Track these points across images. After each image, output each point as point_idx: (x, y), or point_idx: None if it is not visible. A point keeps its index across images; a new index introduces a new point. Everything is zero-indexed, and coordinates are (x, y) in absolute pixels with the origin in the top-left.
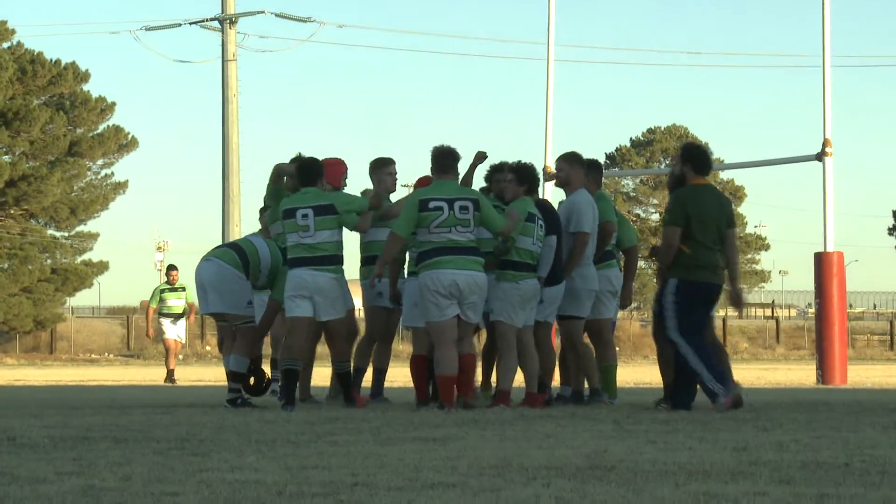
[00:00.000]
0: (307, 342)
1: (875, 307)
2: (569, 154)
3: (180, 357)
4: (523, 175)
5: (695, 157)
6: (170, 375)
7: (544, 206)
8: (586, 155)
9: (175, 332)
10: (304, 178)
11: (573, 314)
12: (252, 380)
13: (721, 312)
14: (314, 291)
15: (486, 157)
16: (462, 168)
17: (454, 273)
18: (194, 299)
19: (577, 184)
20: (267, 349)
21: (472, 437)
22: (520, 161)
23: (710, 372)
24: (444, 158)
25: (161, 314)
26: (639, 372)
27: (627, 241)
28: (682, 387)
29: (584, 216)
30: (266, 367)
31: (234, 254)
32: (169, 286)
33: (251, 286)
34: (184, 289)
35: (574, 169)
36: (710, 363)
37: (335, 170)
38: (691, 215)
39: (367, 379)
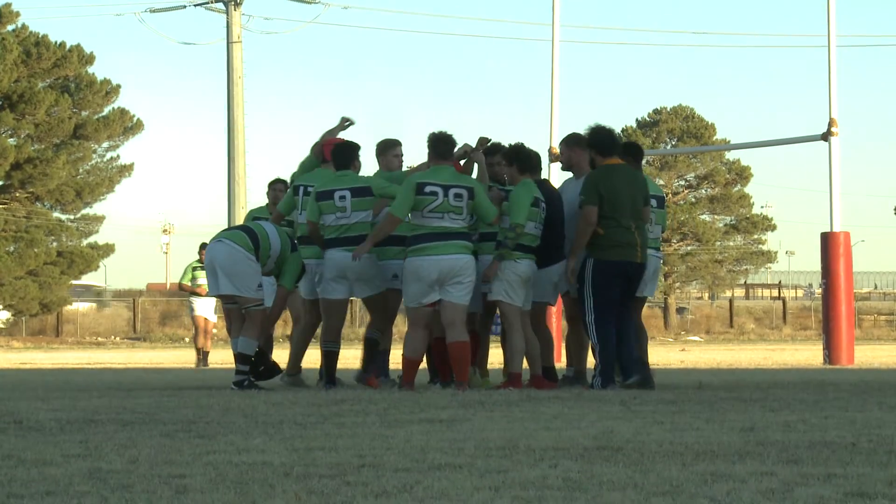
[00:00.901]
0: (337, 322)
1: (877, 287)
2: (569, 137)
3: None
4: (511, 155)
5: (597, 141)
6: (203, 358)
7: (544, 186)
8: None
9: (205, 309)
10: (340, 161)
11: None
12: (262, 367)
13: (728, 293)
14: (349, 270)
15: (489, 141)
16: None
17: (439, 259)
18: None
19: (583, 166)
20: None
21: (479, 419)
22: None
23: (605, 364)
24: (441, 144)
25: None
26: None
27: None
28: (623, 362)
29: None
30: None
31: (245, 236)
32: (201, 264)
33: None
34: None
35: (574, 151)
36: (609, 356)
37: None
38: (604, 195)
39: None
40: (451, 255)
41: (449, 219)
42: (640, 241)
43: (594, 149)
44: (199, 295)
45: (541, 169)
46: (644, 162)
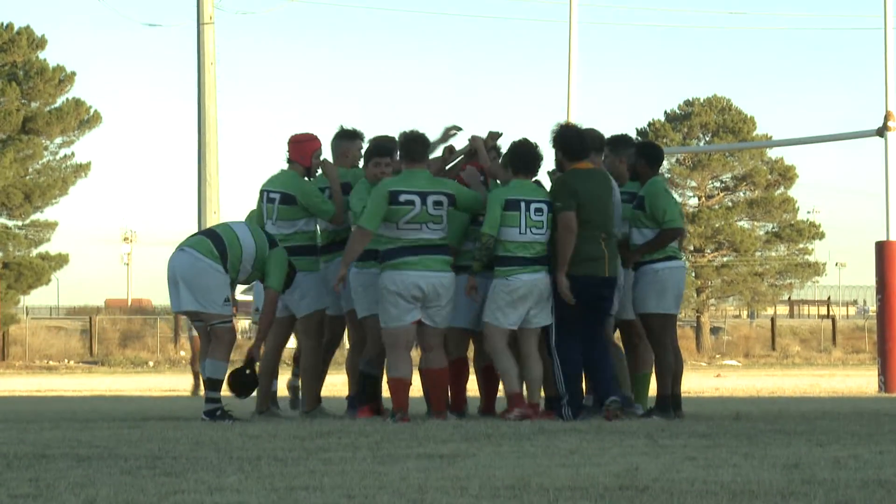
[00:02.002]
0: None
1: None
2: (613, 139)
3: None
4: (509, 155)
5: (566, 143)
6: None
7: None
8: (616, 131)
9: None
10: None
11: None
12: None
13: (769, 311)
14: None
15: (500, 135)
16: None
17: (420, 275)
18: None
19: (624, 172)
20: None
21: (485, 454)
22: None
23: (572, 390)
24: (414, 145)
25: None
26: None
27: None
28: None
29: None
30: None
31: (209, 243)
32: None
33: (230, 281)
34: None
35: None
36: (576, 381)
37: (306, 146)
38: (581, 202)
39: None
40: (435, 273)
41: (428, 229)
42: (608, 254)
43: (562, 151)
44: None
45: (537, 169)
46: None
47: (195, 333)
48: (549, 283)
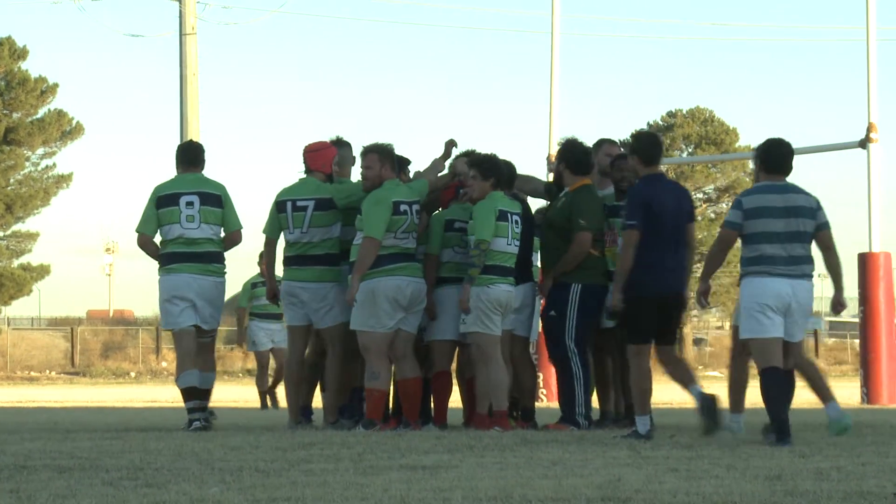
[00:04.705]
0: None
1: None
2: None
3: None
4: (488, 168)
5: (574, 158)
6: (269, 397)
7: (519, 201)
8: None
9: (271, 338)
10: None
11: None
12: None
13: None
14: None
15: (456, 144)
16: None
17: (409, 280)
18: None
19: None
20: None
21: (468, 465)
22: (475, 151)
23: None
24: (391, 156)
25: (254, 314)
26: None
27: None
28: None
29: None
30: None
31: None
32: (262, 279)
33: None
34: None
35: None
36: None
37: (326, 154)
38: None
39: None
40: (418, 279)
41: (412, 239)
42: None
43: (567, 165)
44: (263, 318)
45: (513, 182)
46: None
47: (261, 348)
48: (530, 295)
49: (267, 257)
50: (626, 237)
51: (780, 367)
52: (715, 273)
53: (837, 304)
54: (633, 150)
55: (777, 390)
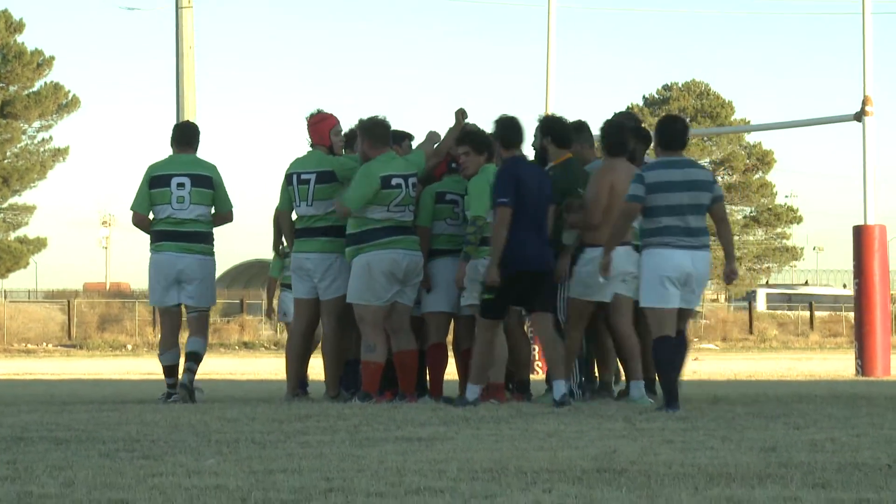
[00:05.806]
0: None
1: None
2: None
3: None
4: (480, 143)
5: (557, 130)
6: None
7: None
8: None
9: None
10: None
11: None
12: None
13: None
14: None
15: (466, 115)
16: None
17: (405, 253)
18: None
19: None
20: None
21: (463, 437)
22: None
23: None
24: (383, 129)
25: (285, 285)
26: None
27: None
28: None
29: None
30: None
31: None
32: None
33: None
34: None
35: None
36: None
37: (321, 127)
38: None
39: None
40: (415, 252)
41: (409, 211)
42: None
43: (553, 139)
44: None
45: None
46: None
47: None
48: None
49: (283, 229)
50: (500, 214)
51: (672, 335)
52: (621, 243)
53: (731, 273)
54: (494, 136)
55: (668, 358)
